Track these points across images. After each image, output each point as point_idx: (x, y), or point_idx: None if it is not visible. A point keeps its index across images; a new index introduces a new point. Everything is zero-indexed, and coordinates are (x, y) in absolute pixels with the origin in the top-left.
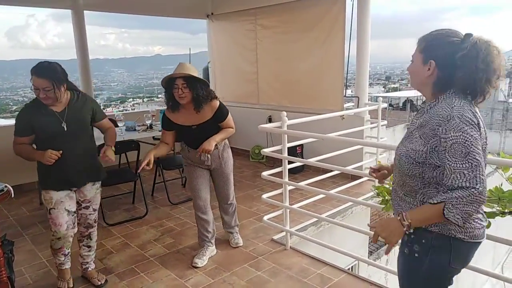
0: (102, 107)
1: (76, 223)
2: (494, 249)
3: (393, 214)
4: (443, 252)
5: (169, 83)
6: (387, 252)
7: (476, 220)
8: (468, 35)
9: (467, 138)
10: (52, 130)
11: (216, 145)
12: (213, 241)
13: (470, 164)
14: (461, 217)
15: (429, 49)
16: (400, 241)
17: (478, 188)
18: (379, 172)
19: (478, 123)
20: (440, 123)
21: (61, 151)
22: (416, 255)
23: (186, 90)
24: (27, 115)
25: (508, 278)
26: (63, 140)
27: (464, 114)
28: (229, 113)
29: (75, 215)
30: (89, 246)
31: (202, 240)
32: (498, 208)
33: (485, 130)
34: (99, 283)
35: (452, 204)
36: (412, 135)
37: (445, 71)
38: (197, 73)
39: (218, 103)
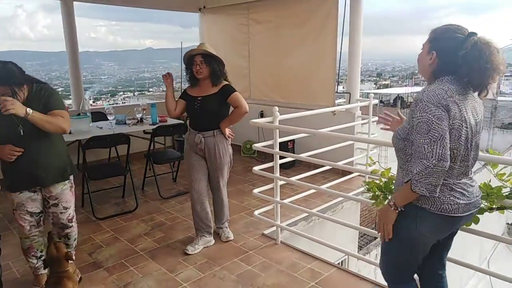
0: (92, 100)
1: (42, 222)
2: (481, 244)
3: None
4: (411, 218)
5: (189, 60)
6: (386, 236)
7: (448, 196)
8: (471, 34)
9: (430, 117)
10: (8, 133)
11: (213, 132)
12: (209, 231)
13: (429, 139)
14: (426, 189)
15: (434, 41)
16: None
17: (432, 161)
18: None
19: (448, 105)
20: (413, 105)
21: (22, 149)
22: (396, 221)
23: (203, 66)
24: None
25: (494, 272)
26: (20, 143)
27: (431, 97)
28: (238, 93)
29: (41, 215)
30: (67, 244)
31: (196, 229)
32: (486, 204)
33: (460, 111)
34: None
35: (415, 179)
36: (407, 119)
37: (444, 63)
38: (214, 52)
39: (226, 82)
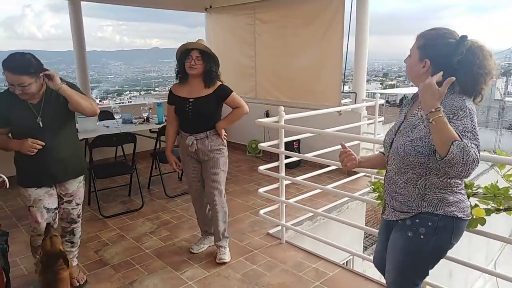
0: (99, 100)
1: (57, 220)
2: (487, 246)
3: (384, 205)
4: (447, 231)
5: (183, 54)
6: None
7: (466, 200)
8: (463, 38)
9: (474, 125)
10: (26, 125)
11: (206, 133)
12: (212, 232)
13: (475, 145)
14: (459, 158)
15: (425, 48)
16: (400, 225)
17: (477, 157)
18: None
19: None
20: (455, 112)
21: (43, 143)
22: (422, 236)
23: (199, 62)
24: (1, 105)
25: (501, 273)
26: (39, 136)
27: (472, 107)
28: (235, 92)
29: (56, 211)
30: (72, 242)
31: (200, 229)
32: (493, 205)
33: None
34: (78, 284)
35: (460, 144)
36: (413, 125)
37: (440, 70)
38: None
39: (219, 83)
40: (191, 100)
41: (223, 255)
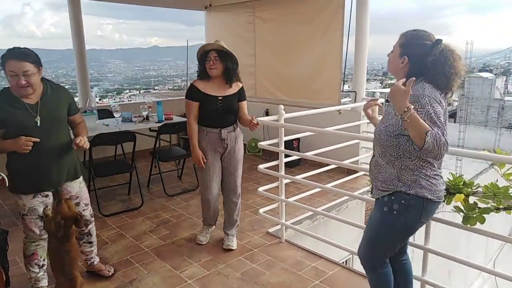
0: (98, 98)
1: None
2: (486, 245)
3: (371, 184)
4: (417, 210)
5: (203, 56)
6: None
7: (440, 183)
8: (438, 41)
9: (435, 111)
10: (23, 124)
11: (233, 126)
12: (215, 221)
13: (438, 127)
14: (434, 145)
15: (405, 46)
16: (379, 202)
17: (445, 138)
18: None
19: (441, 101)
20: (414, 100)
21: (37, 139)
22: (395, 212)
23: (217, 62)
24: None
25: (500, 272)
26: (36, 136)
27: (432, 94)
28: None
29: None
30: (90, 242)
31: (205, 220)
32: (493, 204)
33: (446, 106)
34: (109, 273)
35: (433, 134)
36: (389, 114)
37: (415, 67)
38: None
39: (241, 84)
40: (220, 97)
41: (232, 242)
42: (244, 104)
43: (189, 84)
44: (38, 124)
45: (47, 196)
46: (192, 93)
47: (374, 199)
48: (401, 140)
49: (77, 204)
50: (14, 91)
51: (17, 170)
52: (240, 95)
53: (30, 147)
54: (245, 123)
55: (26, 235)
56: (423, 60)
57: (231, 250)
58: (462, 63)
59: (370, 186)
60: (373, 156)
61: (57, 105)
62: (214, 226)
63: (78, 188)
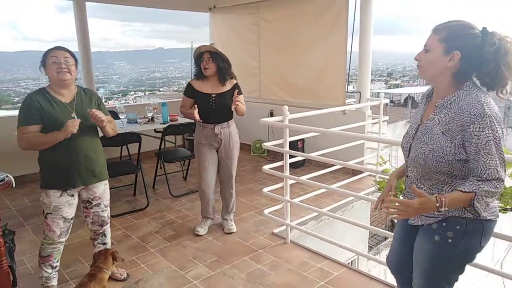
0: (104, 100)
1: (69, 230)
2: (493, 246)
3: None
4: (477, 234)
5: (198, 57)
6: (394, 216)
7: (494, 201)
8: (486, 28)
9: (498, 136)
10: (61, 120)
11: (227, 123)
12: (213, 215)
13: (501, 160)
14: (484, 208)
15: (452, 39)
16: (426, 229)
17: (501, 186)
18: (388, 197)
19: (500, 119)
20: (473, 121)
21: (79, 120)
22: (450, 240)
23: (210, 62)
24: (35, 102)
25: (507, 273)
26: (73, 136)
27: (495, 111)
28: None
29: (72, 221)
30: (104, 243)
31: (204, 212)
32: (500, 204)
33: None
34: (122, 277)
35: (481, 196)
36: (432, 131)
37: (469, 63)
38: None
39: (236, 81)
40: (213, 95)
41: (232, 226)
42: (241, 97)
43: None
44: (76, 118)
45: (72, 195)
46: (187, 90)
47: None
48: (455, 165)
49: (98, 204)
50: (53, 80)
51: (48, 163)
52: (235, 89)
53: (78, 127)
54: (240, 112)
55: (45, 235)
56: (479, 52)
57: (231, 233)
58: None
59: None
60: (408, 177)
61: (89, 105)
62: (212, 219)
63: (102, 190)
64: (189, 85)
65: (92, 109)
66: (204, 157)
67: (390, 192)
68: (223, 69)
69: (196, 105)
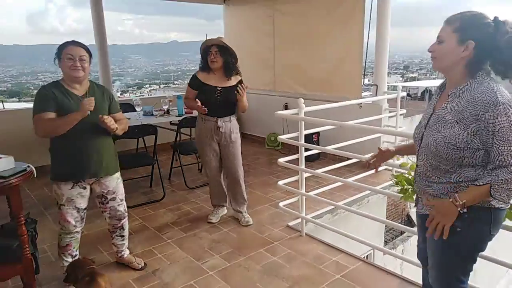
0: (119, 93)
1: (84, 218)
2: None
3: (419, 198)
4: (485, 223)
5: (205, 50)
6: (444, 235)
7: None
8: (498, 17)
9: (511, 122)
10: (73, 110)
11: (230, 117)
12: (225, 202)
13: None
14: (507, 195)
15: (465, 29)
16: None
17: None
18: (375, 159)
19: None
20: (487, 109)
21: (93, 97)
22: (458, 229)
23: (217, 56)
24: (50, 91)
25: None
26: (83, 127)
27: (507, 99)
28: None
29: (85, 211)
30: (122, 236)
31: (212, 200)
32: None
33: None
34: (140, 266)
35: (498, 185)
36: (444, 120)
37: (482, 52)
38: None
39: (240, 77)
40: (219, 88)
41: (248, 218)
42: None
43: None
44: (88, 113)
45: (85, 188)
46: (193, 81)
47: (397, 193)
48: (466, 153)
49: (113, 199)
50: (66, 75)
51: (59, 152)
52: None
53: (94, 105)
54: (242, 109)
55: (62, 226)
56: (492, 41)
57: (249, 225)
58: None
59: (415, 199)
60: (417, 166)
61: (101, 100)
62: (223, 208)
63: (115, 183)
64: (194, 77)
65: (103, 116)
66: (206, 150)
67: (372, 154)
68: (230, 63)
69: (197, 99)
